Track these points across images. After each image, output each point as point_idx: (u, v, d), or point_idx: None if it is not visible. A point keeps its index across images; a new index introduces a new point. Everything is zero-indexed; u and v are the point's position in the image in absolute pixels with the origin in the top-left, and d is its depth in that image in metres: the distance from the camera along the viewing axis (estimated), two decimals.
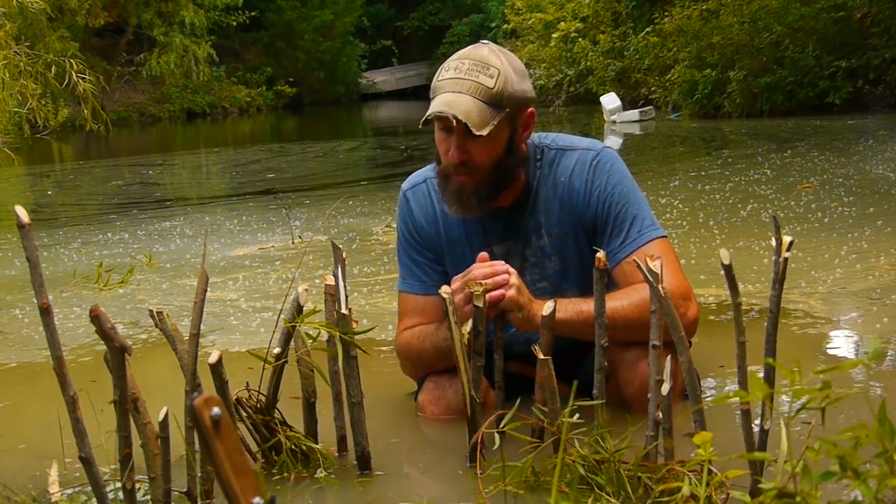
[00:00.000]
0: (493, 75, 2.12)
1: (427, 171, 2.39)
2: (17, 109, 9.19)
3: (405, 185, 2.41)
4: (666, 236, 2.26)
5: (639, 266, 1.75)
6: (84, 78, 8.65)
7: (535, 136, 2.32)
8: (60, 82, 8.99)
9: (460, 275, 2.10)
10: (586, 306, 2.06)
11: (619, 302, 2.10)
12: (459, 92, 2.11)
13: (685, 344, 1.73)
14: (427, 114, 2.10)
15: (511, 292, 2.05)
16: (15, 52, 8.55)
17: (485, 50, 2.17)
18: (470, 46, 2.22)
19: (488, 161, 2.17)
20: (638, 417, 1.91)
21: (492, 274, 2.06)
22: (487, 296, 2.01)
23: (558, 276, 2.30)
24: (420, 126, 2.14)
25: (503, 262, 2.11)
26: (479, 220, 2.30)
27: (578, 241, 2.27)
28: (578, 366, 2.21)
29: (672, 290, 2.05)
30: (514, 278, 2.08)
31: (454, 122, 2.08)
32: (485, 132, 2.10)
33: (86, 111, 8.90)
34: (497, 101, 2.12)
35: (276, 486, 1.96)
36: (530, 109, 2.22)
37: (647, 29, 15.89)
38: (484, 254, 2.13)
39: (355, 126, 22.37)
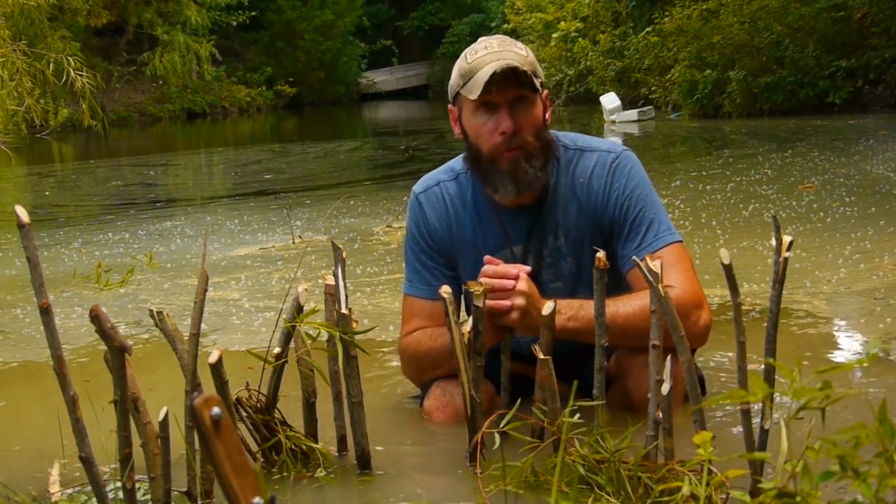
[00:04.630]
0: (521, 48, 2.22)
1: (439, 175, 2.38)
2: (15, 108, 9.19)
3: (417, 188, 2.39)
4: (682, 241, 2.24)
5: (639, 266, 1.75)
6: (81, 74, 8.66)
7: (553, 134, 2.32)
8: (59, 80, 9.00)
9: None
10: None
11: (630, 308, 2.08)
12: (506, 59, 2.15)
13: (685, 344, 1.73)
14: (489, 74, 2.10)
15: (519, 301, 2.05)
16: (13, 50, 8.55)
17: (500, 35, 2.30)
18: (484, 37, 2.30)
19: (534, 130, 2.19)
20: (638, 417, 1.91)
21: (500, 276, 2.06)
22: (494, 303, 2.01)
23: (573, 278, 2.29)
24: (475, 97, 2.13)
25: (515, 268, 2.09)
26: (498, 220, 2.29)
27: (595, 243, 2.21)
28: (580, 366, 2.21)
29: (685, 298, 2.04)
30: (523, 284, 2.06)
31: (522, 69, 2.11)
32: (538, 86, 2.17)
33: (84, 107, 8.91)
34: (534, 70, 2.19)
35: (276, 485, 1.95)
36: (546, 91, 2.28)
37: (647, 29, 15.90)
38: (489, 257, 2.12)
39: (355, 126, 22.37)
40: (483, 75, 2.12)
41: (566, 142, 2.31)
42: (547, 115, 2.26)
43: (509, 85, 2.13)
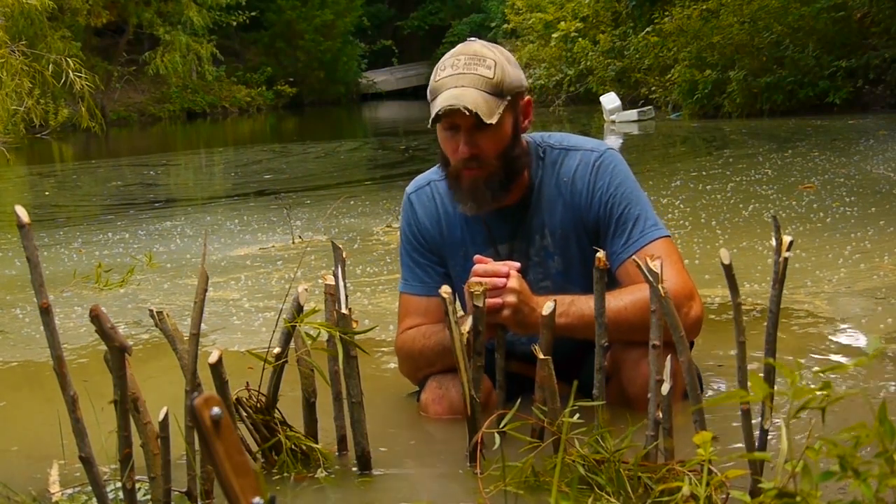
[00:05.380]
0: (490, 66, 2.16)
1: (430, 175, 2.41)
2: (16, 108, 9.21)
3: (409, 188, 2.43)
4: (669, 236, 2.25)
5: (639, 266, 1.75)
6: (80, 76, 8.67)
7: (538, 136, 2.34)
8: (58, 81, 9.01)
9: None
10: (588, 310, 2.05)
11: (621, 303, 2.09)
12: (463, 86, 2.13)
13: (685, 343, 1.73)
14: (436, 110, 2.12)
15: (510, 298, 2.05)
16: (11, 50, 8.56)
17: (476, 45, 2.22)
18: (460, 44, 2.25)
19: (496, 151, 2.18)
20: (638, 417, 1.91)
21: (491, 274, 2.07)
22: (488, 318, 2.02)
23: (561, 276, 2.30)
24: (429, 125, 2.17)
25: (505, 265, 2.10)
26: (484, 220, 2.31)
27: (581, 242, 2.27)
28: (579, 366, 2.21)
29: (675, 290, 2.05)
30: (514, 281, 2.07)
31: (466, 113, 2.09)
32: (494, 120, 2.13)
33: (83, 109, 8.92)
34: (498, 91, 2.15)
35: (276, 485, 1.95)
36: (527, 98, 2.26)
37: (647, 29, 15.90)
38: (478, 256, 2.13)
39: (356, 126, 22.37)
40: (437, 103, 2.13)
41: (552, 142, 2.33)
42: (525, 123, 2.25)
43: (459, 116, 2.12)
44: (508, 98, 2.17)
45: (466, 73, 2.15)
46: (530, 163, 2.29)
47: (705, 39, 13.95)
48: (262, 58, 29.60)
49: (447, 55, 2.23)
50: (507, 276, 2.07)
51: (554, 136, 2.35)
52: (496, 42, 2.40)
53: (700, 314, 2.17)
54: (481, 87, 2.13)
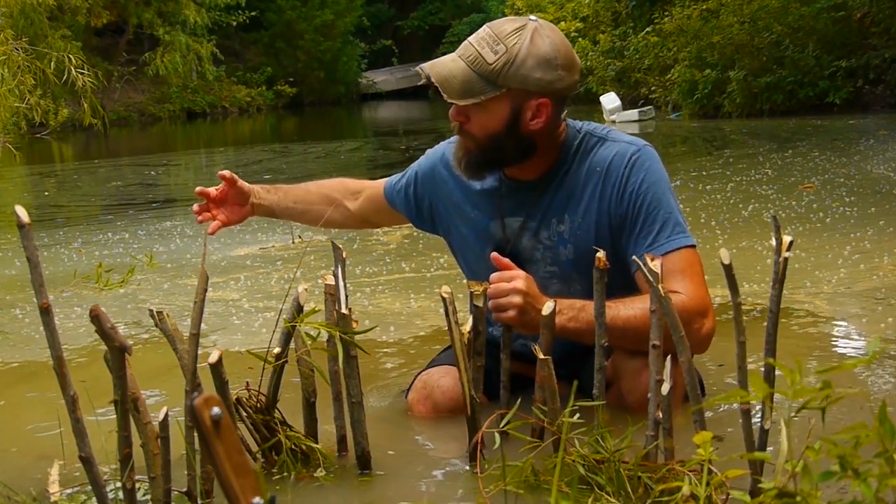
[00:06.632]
0: (498, 52, 2.09)
1: None
2: (18, 105, 9.18)
3: (452, 137, 2.41)
4: (695, 245, 2.19)
5: (640, 266, 1.75)
6: (83, 73, 8.65)
7: (586, 124, 2.30)
8: (59, 78, 8.99)
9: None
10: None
11: (632, 311, 2.04)
12: (458, 56, 2.13)
13: (686, 344, 1.72)
14: (426, 73, 2.18)
15: (516, 299, 2.02)
16: (14, 48, 8.55)
17: (511, 25, 2.13)
18: (506, 19, 2.19)
19: (482, 132, 2.16)
20: (638, 418, 1.91)
21: (498, 281, 2.05)
22: (492, 302, 2.01)
23: (569, 265, 2.24)
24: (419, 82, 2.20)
25: (514, 276, 2.05)
26: (500, 188, 2.29)
27: (600, 234, 2.20)
28: (580, 366, 2.21)
29: (690, 305, 2.02)
30: (522, 282, 2.04)
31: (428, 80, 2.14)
32: (462, 101, 2.11)
33: (85, 106, 8.91)
34: (491, 78, 2.09)
35: (276, 485, 1.95)
36: (542, 100, 2.12)
37: (647, 29, 15.92)
38: (495, 254, 2.10)
39: (356, 126, 22.37)
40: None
41: (592, 129, 2.28)
42: (532, 123, 2.14)
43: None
44: (504, 90, 2.09)
45: (472, 46, 2.12)
46: (561, 146, 2.24)
47: (705, 39, 13.96)
48: (262, 58, 29.62)
49: (487, 24, 2.20)
50: (515, 290, 2.02)
51: (598, 126, 2.31)
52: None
53: (711, 331, 2.10)
54: (473, 65, 2.10)
